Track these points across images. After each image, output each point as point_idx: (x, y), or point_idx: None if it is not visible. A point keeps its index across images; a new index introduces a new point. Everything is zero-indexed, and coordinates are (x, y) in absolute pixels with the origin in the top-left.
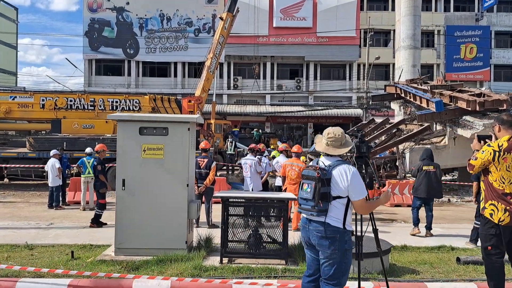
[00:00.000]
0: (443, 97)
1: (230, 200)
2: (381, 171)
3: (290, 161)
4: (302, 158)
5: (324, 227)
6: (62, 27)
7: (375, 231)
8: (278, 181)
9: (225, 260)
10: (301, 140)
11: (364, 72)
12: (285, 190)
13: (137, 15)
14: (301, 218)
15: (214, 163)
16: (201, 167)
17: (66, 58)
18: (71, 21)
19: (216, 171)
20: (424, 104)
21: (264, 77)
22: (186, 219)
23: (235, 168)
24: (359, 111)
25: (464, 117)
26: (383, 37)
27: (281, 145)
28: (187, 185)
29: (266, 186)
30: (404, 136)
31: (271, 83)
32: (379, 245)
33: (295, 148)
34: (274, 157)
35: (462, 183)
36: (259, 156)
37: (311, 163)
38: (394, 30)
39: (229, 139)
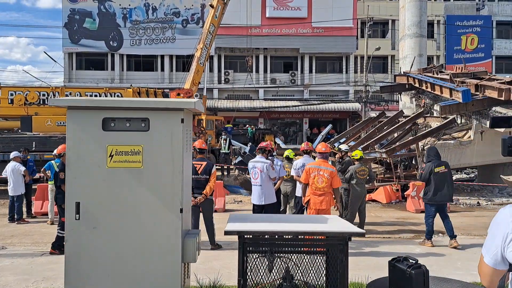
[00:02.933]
0: (467, 86)
1: (252, 237)
2: (398, 170)
3: (316, 163)
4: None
5: None
6: (48, 24)
7: None
8: (298, 191)
9: None
10: (296, 136)
11: (362, 64)
12: (307, 204)
13: (120, 5)
14: None
15: (215, 167)
16: (199, 172)
17: (44, 51)
18: (56, 19)
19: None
20: (445, 95)
21: (257, 71)
22: (180, 264)
23: (230, 168)
24: (357, 105)
25: (494, 108)
26: (381, 28)
27: (303, 144)
28: (181, 210)
29: (278, 196)
30: (427, 130)
31: (264, 77)
32: None
33: (321, 147)
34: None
35: (483, 183)
36: (271, 158)
37: None
38: (392, 20)
39: (222, 136)
